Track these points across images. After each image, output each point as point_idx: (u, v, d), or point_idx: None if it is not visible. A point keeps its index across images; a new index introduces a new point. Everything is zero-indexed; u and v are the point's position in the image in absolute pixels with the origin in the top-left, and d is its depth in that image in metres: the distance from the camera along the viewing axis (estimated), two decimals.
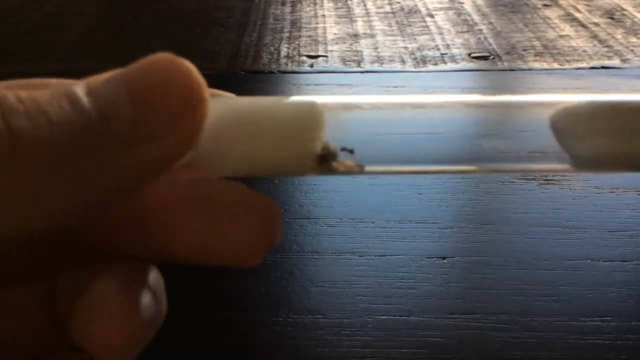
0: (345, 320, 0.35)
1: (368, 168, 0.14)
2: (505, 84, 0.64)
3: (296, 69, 0.68)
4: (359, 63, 0.70)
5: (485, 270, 0.39)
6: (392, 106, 0.14)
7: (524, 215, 0.44)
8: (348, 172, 0.14)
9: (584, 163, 0.14)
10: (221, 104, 0.14)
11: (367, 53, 0.72)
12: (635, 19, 0.82)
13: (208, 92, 0.12)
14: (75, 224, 0.12)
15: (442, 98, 0.14)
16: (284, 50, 0.73)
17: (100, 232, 0.15)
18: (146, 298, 0.14)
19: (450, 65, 0.69)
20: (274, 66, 0.69)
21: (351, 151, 0.14)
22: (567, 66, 0.68)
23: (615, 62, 0.69)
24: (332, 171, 0.14)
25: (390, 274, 0.39)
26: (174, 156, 0.13)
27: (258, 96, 0.14)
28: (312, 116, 0.14)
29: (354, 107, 0.14)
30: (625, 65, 0.68)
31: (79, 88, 0.12)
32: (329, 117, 0.14)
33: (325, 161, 0.14)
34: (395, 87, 0.65)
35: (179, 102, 0.12)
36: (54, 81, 0.13)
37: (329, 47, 0.74)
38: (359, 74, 0.67)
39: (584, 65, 0.68)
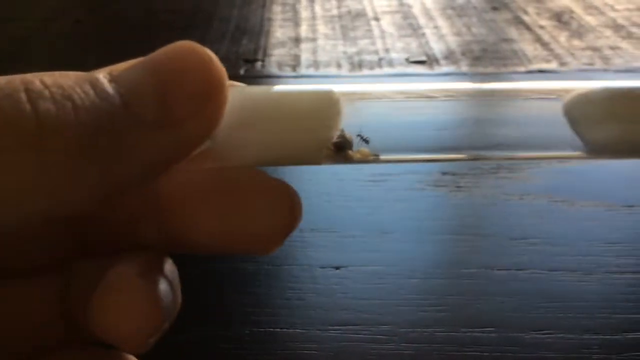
0: (221, 332, 0.35)
1: (383, 156, 0.14)
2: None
3: (230, 73, 0.68)
4: (294, 67, 0.69)
5: (377, 280, 0.39)
6: (406, 95, 0.14)
7: (429, 222, 0.44)
8: (364, 160, 0.14)
9: (598, 149, 0.14)
10: (239, 93, 0.14)
11: (305, 57, 0.72)
12: (582, 22, 0.82)
13: (227, 79, 0.13)
14: (99, 207, 0.12)
15: (453, 86, 0.14)
16: (222, 53, 0.72)
17: (116, 222, 0.15)
18: (164, 286, 0.14)
19: (386, 70, 0.68)
20: None
21: (366, 140, 0.14)
22: (502, 70, 0.67)
23: (553, 65, 0.69)
24: (348, 159, 0.14)
25: (281, 284, 0.39)
26: (194, 142, 0.13)
27: (276, 85, 0.14)
28: (329, 104, 0.14)
29: (368, 96, 0.14)
30: (563, 68, 0.68)
31: (102, 75, 0.12)
32: (345, 106, 0.14)
33: (341, 149, 0.14)
34: None
35: (201, 89, 0.12)
36: (71, 73, 0.13)
37: (269, 51, 0.74)
38: (292, 78, 0.67)
39: (521, 69, 0.68)
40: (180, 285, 0.15)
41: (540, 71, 0.67)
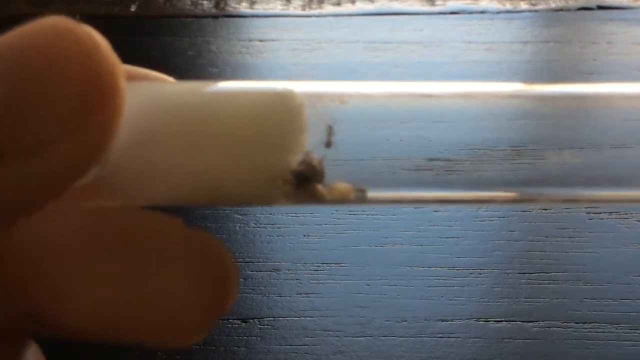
0: None
1: (372, 194, 0.14)
2: (434, 37, 0.64)
3: (118, 12, 0.68)
4: (217, 3, 0.70)
5: (303, 339, 0.39)
6: (410, 97, 0.14)
7: (393, 249, 0.44)
8: (341, 199, 0.14)
9: None
10: (145, 93, 0.14)
11: None
12: None
13: (124, 75, 0.12)
14: None
15: (485, 87, 0.14)
16: None
17: None
18: None
19: (360, 6, 0.69)
20: (94, 9, 0.68)
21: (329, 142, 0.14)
22: (540, 6, 0.68)
23: None
24: (317, 198, 0.14)
25: None
26: (67, 177, 0.13)
27: (202, 81, 0.14)
28: (286, 113, 0.14)
29: (348, 98, 0.14)
30: (637, 3, 0.68)
31: None
32: (312, 114, 0.14)
33: (305, 182, 0.14)
34: (261, 40, 0.65)
35: (78, 95, 0.12)
36: None
37: None
38: (211, 18, 0.67)
39: (570, 4, 0.68)
40: None
41: (600, 7, 0.67)
